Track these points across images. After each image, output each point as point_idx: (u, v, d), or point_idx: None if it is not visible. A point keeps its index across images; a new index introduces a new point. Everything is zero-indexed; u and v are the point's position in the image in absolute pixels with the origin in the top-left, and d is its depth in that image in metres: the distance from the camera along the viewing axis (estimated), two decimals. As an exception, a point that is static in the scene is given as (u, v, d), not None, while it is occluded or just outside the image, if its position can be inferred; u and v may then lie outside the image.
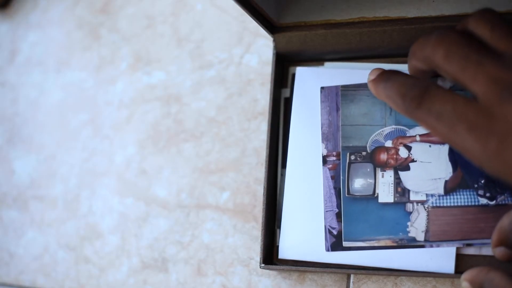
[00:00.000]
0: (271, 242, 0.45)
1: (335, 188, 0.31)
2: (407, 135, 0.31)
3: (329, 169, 0.31)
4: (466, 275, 0.31)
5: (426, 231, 0.32)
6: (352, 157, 0.30)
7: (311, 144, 0.45)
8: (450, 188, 0.31)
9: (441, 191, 0.31)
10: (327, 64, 0.47)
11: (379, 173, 0.31)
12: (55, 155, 0.59)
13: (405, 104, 0.27)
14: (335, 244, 0.33)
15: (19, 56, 0.66)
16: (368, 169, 0.31)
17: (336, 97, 0.31)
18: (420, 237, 0.32)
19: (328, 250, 0.33)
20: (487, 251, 0.40)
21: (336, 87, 0.30)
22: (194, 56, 0.56)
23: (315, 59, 0.48)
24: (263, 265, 0.43)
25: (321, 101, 0.30)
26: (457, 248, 0.40)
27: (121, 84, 0.59)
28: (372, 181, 0.31)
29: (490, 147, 0.22)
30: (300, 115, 0.46)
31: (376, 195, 0.31)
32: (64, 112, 0.61)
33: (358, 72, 0.45)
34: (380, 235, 0.32)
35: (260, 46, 0.54)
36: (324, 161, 0.31)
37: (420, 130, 0.30)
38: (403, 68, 0.44)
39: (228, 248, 0.49)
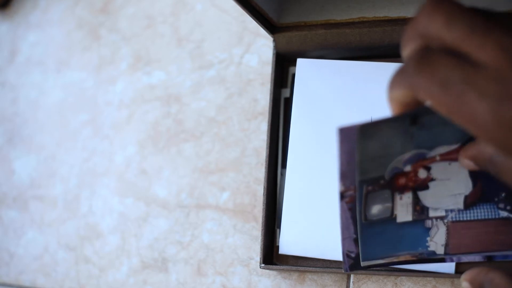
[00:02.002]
0: (271, 242, 0.45)
1: (352, 217, 0.30)
2: (428, 156, 0.29)
3: (347, 202, 0.29)
4: (466, 275, 0.31)
5: (446, 245, 0.32)
6: (370, 188, 0.29)
7: (312, 140, 0.45)
8: (470, 202, 0.31)
9: (461, 206, 0.31)
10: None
11: (397, 196, 0.30)
12: (55, 155, 0.59)
13: (403, 72, 0.24)
14: (353, 265, 0.32)
15: (19, 56, 0.66)
16: (386, 195, 0.30)
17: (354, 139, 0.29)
18: (440, 250, 0.32)
19: (346, 271, 0.32)
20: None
21: (355, 127, 0.28)
22: (194, 56, 0.56)
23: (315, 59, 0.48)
24: (263, 265, 0.43)
25: (340, 142, 0.28)
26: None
27: (121, 84, 0.59)
28: (390, 205, 0.30)
29: (503, 114, 0.21)
30: (301, 109, 0.46)
31: (394, 216, 0.30)
32: (64, 112, 0.61)
33: (359, 67, 0.45)
34: (399, 252, 0.31)
35: (260, 46, 0.54)
36: (342, 196, 0.29)
37: (440, 150, 0.29)
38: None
39: (228, 248, 0.49)
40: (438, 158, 0.29)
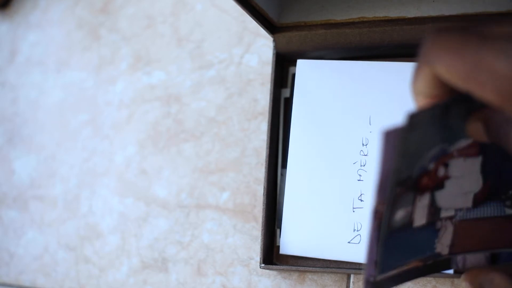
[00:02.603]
0: (271, 242, 0.45)
1: (378, 238, 0.27)
2: (448, 152, 0.27)
3: (376, 219, 0.26)
4: (466, 275, 0.31)
5: (451, 245, 0.30)
6: (399, 190, 0.26)
7: (313, 140, 0.45)
8: (478, 200, 0.29)
9: (470, 204, 0.29)
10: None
11: (417, 199, 0.28)
12: (55, 155, 0.59)
13: (463, 43, 0.22)
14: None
15: (19, 56, 0.66)
16: (410, 199, 0.27)
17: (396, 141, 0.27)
18: (445, 251, 0.30)
19: None
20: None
21: (398, 129, 0.26)
22: (194, 56, 0.56)
23: (315, 59, 0.48)
24: (263, 265, 0.43)
25: (384, 147, 0.26)
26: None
27: (121, 84, 0.59)
28: (410, 209, 0.28)
29: None
30: (301, 109, 0.46)
31: (411, 221, 0.28)
32: (64, 112, 0.61)
33: (359, 67, 0.45)
34: (410, 259, 0.29)
35: (260, 46, 0.54)
36: (375, 211, 0.26)
37: (458, 144, 0.27)
38: (404, 67, 0.44)
39: (228, 248, 0.49)
40: (455, 153, 0.28)
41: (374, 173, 0.27)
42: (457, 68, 0.22)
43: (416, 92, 0.25)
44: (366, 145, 0.44)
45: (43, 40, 0.65)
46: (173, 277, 0.50)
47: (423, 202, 0.28)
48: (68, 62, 0.63)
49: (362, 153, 0.44)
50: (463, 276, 0.32)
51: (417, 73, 0.24)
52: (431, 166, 0.27)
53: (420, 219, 0.28)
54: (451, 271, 0.40)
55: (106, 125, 0.58)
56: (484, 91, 0.21)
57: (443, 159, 0.27)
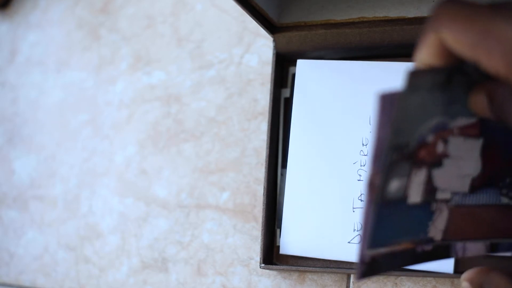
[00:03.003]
0: (271, 242, 0.45)
1: (373, 212, 0.28)
2: (448, 127, 0.26)
3: (372, 193, 0.26)
4: (466, 275, 0.31)
5: (445, 230, 0.29)
6: (394, 157, 0.25)
7: (313, 140, 0.45)
8: (476, 186, 0.28)
9: (466, 189, 0.28)
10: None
11: (413, 172, 0.27)
12: (55, 155, 0.59)
13: (473, 10, 0.22)
14: (367, 271, 0.29)
15: (19, 56, 0.66)
16: (405, 169, 0.26)
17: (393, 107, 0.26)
18: (438, 236, 0.29)
19: (359, 278, 0.29)
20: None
21: (396, 93, 0.25)
22: (194, 56, 0.56)
23: (315, 59, 0.48)
24: (263, 265, 0.43)
25: (379, 111, 0.24)
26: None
27: (121, 84, 0.59)
28: (405, 182, 0.27)
29: None
30: (301, 109, 0.46)
31: (406, 196, 0.27)
32: (64, 112, 0.61)
33: (359, 67, 0.45)
34: (402, 238, 0.28)
35: (260, 46, 0.54)
36: (371, 183, 0.26)
37: (460, 121, 0.26)
38: (404, 67, 0.44)
39: (228, 248, 0.49)
40: (456, 131, 0.27)
41: (370, 142, 0.26)
42: (465, 35, 0.21)
43: (419, 61, 0.24)
44: (366, 145, 0.44)
45: (43, 40, 0.65)
46: (173, 277, 0.50)
47: (419, 178, 0.27)
48: (68, 62, 0.63)
49: (362, 153, 0.44)
50: (463, 276, 0.32)
51: (422, 42, 0.24)
52: (430, 138, 0.26)
53: (415, 195, 0.27)
54: (451, 271, 0.40)
55: (106, 125, 0.58)
56: (492, 60, 0.21)
57: (443, 133, 0.27)
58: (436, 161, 0.27)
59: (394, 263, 0.29)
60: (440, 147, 0.27)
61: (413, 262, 0.30)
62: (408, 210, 0.28)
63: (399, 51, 0.46)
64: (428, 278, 0.42)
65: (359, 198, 0.43)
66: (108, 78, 0.60)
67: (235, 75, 0.54)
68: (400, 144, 0.25)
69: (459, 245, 0.30)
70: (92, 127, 0.58)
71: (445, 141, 0.27)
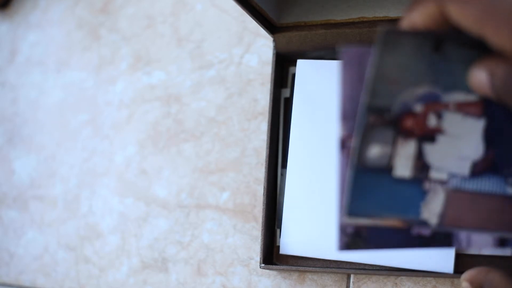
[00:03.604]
0: (271, 242, 0.45)
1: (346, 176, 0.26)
2: (442, 100, 0.25)
3: (348, 155, 0.25)
4: (466, 275, 0.31)
5: (442, 215, 0.27)
6: (372, 119, 0.24)
7: (313, 140, 0.45)
8: (477, 170, 0.27)
9: (466, 173, 0.27)
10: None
11: (399, 141, 0.26)
12: (55, 155, 0.59)
13: None
14: (350, 243, 0.28)
15: (19, 56, 0.66)
16: (388, 136, 0.25)
17: (364, 63, 0.24)
18: (433, 220, 0.27)
19: (340, 250, 0.28)
20: (487, 250, 0.40)
21: (366, 49, 0.23)
22: (194, 56, 0.56)
23: (315, 59, 0.48)
24: (263, 265, 0.43)
25: (343, 68, 0.24)
26: (457, 248, 0.40)
27: (121, 84, 0.59)
28: (389, 150, 0.26)
29: None
30: (301, 109, 0.46)
31: (391, 167, 0.26)
32: (64, 112, 0.61)
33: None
34: (387, 213, 0.27)
35: (260, 46, 0.54)
36: (343, 145, 0.25)
37: (456, 96, 0.25)
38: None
39: (228, 248, 0.49)
40: (452, 106, 0.25)
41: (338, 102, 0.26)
42: (472, 9, 0.20)
43: (409, 21, 0.23)
44: (366, 145, 0.44)
45: (43, 40, 0.65)
46: (173, 277, 0.50)
47: (407, 149, 0.26)
48: (68, 62, 0.63)
49: (362, 153, 0.44)
50: (463, 276, 0.32)
51: (418, 5, 0.23)
52: (418, 108, 0.25)
53: (402, 168, 0.26)
54: (451, 271, 0.40)
55: (106, 125, 0.58)
56: (499, 35, 0.20)
57: (434, 106, 0.25)
58: (428, 135, 0.26)
59: (383, 241, 0.28)
60: (432, 121, 0.26)
61: (408, 245, 0.29)
62: (394, 183, 0.27)
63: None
64: (428, 278, 0.42)
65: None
66: (108, 78, 0.60)
67: (235, 75, 0.54)
68: (378, 107, 0.25)
69: (462, 235, 0.29)
70: (92, 127, 0.58)
71: (439, 115, 0.26)
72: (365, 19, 0.43)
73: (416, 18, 0.23)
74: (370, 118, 0.25)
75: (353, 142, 0.25)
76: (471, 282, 0.31)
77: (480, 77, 0.23)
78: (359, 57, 0.23)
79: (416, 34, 0.23)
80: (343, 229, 0.27)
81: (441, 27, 0.23)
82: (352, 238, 0.27)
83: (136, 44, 0.60)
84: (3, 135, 0.63)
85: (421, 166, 0.27)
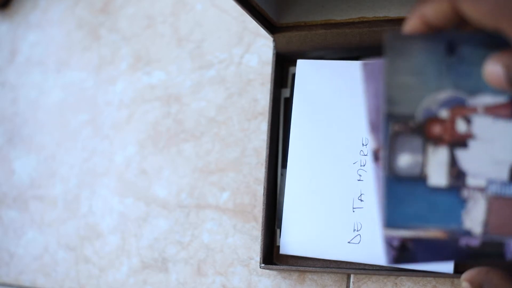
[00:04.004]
0: (271, 242, 0.45)
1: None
2: (468, 104, 0.24)
3: (377, 163, 0.25)
4: (465, 275, 0.31)
5: (485, 224, 0.26)
6: (397, 127, 0.24)
7: (313, 140, 0.45)
8: None
9: (505, 177, 0.26)
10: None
11: (429, 149, 0.25)
12: (55, 155, 0.59)
13: None
14: (399, 257, 0.26)
15: (19, 56, 0.66)
16: (417, 144, 0.25)
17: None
18: (477, 229, 0.26)
19: (389, 264, 0.28)
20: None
21: (379, 62, 0.23)
22: (194, 56, 0.56)
23: (315, 59, 0.48)
24: (263, 265, 0.43)
25: (365, 81, 0.24)
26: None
27: (121, 84, 0.59)
28: (420, 158, 0.25)
29: None
30: (301, 109, 0.46)
31: (424, 176, 0.26)
32: (64, 112, 0.61)
33: (359, 67, 0.45)
34: (429, 224, 0.26)
35: (260, 46, 0.54)
36: (376, 157, 0.25)
37: (483, 99, 0.24)
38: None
39: (228, 248, 0.49)
40: (480, 109, 0.25)
41: (365, 113, 0.26)
42: (485, 1, 0.20)
43: (419, 15, 0.23)
44: (366, 145, 0.44)
45: (43, 40, 0.65)
46: (173, 277, 0.50)
47: (439, 157, 0.26)
48: (68, 62, 0.63)
49: (362, 153, 0.44)
50: (463, 276, 0.32)
51: (429, 2, 0.22)
52: (444, 113, 0.25)
53: (437, 177, 0.26)
54: (451, 271, 0.40)
55: (106, 125, 0.58)
56: None
57: (461, 110, 0.25)
58: (459, 141, 0.25)
59: (431, 254, 0.27)
60: (461, 126, 0.25)
61: (457, 258, 0.28)
62: (430, 193, 0.26)
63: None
64: (428, 278, 0.42)
65: (359, 198, 0.43)
66: (108, 78, 0.60)
67: (235, 75, 0.54)
68: (400, 115, 0.24)
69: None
70: (92, 127, 0.58)
71: (467, 120, 0.25)
72: (365, 19, 0.43)
73: (427, 13, 0.22)
74: (394, 127, 0.24)
75: (382, 153, 0.25)
76: (471, 282, 0.31)
77: (495, 70, 0.23)
78: (379, 68, 0.23)
79: (425, 37, 0.23)
80: (388, 243, 0.26)
81: (453, 22, 0.22)
82: (399, 252, 0.27)
83: (136, 44, 0.60)
84: (3, 135, 0.63)
85: (457, 173, 0.26)
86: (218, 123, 0.53)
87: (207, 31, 0.57)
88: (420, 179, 0.26)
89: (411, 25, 0.23)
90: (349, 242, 0.43)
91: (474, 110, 0.25)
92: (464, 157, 0.26)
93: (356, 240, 0.43)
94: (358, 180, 0.43)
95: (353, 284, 0.44)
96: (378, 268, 0.42)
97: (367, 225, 0.42)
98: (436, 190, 0.26)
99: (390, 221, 0.26)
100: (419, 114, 0.25)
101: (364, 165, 0.44)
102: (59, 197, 0.57)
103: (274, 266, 0.44)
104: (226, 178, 0.51)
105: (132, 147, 0.56)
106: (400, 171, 0.26)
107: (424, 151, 0.25)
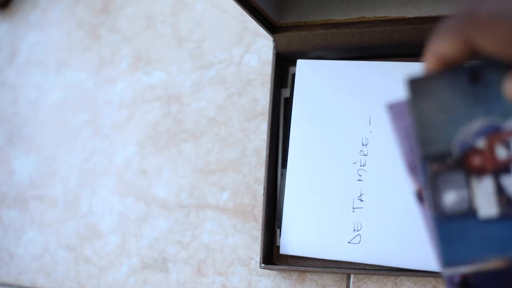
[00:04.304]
0: (271, 242, 0.45)
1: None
2: (503, 128, 0.24)
3: (421, 204, 0.25)
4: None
5: None
6: (435, 167, 0.24)
7: (313, 140, 0.45)
8: None
9: None
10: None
11: (473, 182, 0.25)
12: (55, 155, 0.59)
13: (453, 21, 0.21)
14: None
15: (19, 56, 0.66)
16: (459, 179, 0.25)
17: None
18: None
19: None
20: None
21: (404, 102, 0.23)
22: (194, 56, 0.56)
23: (315, 59, 0.48)
24: (263, 265, 0.43)
25: (393, 123, 0.24)
26: None
27: (121, 84, 0.59)
28: (466, 193, 0.25)
29: None
30: (301, 109, 0.46)
31: (474, 209, 0.25)
32: (64, 112, 0.61)
33: (359, 67, 0.45)
34: (485, 255, 0.26)
35: (260, 46, 0.54)
36: (420, 198, 0.25)
37: None
38: (404, 67, 0.44)
39: (228, 248, 0.49)
40: None
41: (400, 156, 0.25)
42: (500, 33, 0.20)
43: (433, 52, 0.23)
44: (366, 145, 0.44)
45: (43, 40, 0.65)
46: (173, 277, 0.50)
47: (485, 188, 0.25)
48: (68, 62, 0.63)
49: (362, 153, 0.44)
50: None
51: (442, 35, 0.22)
52: (480, 143, 0.24)
53: (487, 208, 0.25)
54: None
55: (106, 125, 0.58)
56: None
57: (497, 136, 0.24)
58: (502, 168, 0.25)
59: (494, 285, 0.27)
60: (501, 152, 0.25)
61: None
62: (483, 225, 0.26)
63: (399, 51, 0.46)
64: (428, 278, 0.42)
65: (359, 198, 0.43)
66: (108, 78, 0.60)
67: (235, 75, 0.54)
68: (436, 154, 0.24)
69: None
70: (92, 127, 0.58)
71: (506, 145, 0.25)
72: (365, 19, 0.43)
73: (442, 51, 0.23)
74: (433, 167, 0.24)
75: (425, 194, 0.25)
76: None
77: None
78: (404, 109, 0.23)
79: (445, 73, 0.23)
80: (449, 281, 0.26)
81: (470, 56, 0.22)
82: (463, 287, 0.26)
83: (136, 44, 0.60)
84: (3, 135, 0.63)
85: (506, 200, 0.26)
86: (218, 123, 0.53)
87: (207, 31, 0.57)
88: (469, 213, 0.25)
89: (429, 65, 0.23)
90: (349, 242, 0.43)
91: (511, 133, 0.25)
92: (511, 182, 0.25)
93: (356, 240, 0.43)
94: (358, 180, 0.43)
95: (353, 284, 0.44)
96: (378, 268, 0.42)
97: (367, 225, 0.42)
98: (488, 221, 0.26)
99: (447, 260, 0.26)
100: (456, 149, 0.24)
101: (364, 165, 0.44)
102: (59, 197, 0.57)
103: (274, 266, 0.44)
104: (226, 178, 0.51)
105: (132, 147, 0.56)
106: (447, 209, 0.25)
107: (468, 185, 0.25)
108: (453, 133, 0.24)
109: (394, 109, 0.23)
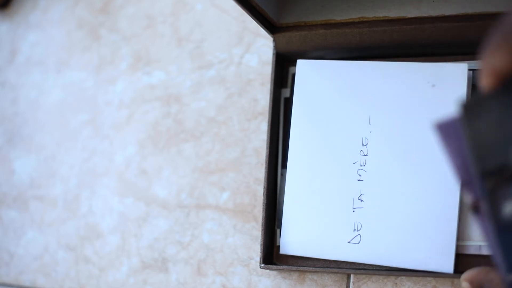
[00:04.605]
0: (271, 242, 0.45)
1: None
2: None
3: (479, 216, 0.25)
4: (466, 275, 0.31)
5: None
6: (493, 182, 0.24)
7: (313, 140, 0.45)
8: None
9: None
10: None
11: None
12: (55, 155, 0.59)
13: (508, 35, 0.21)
14: None
15: (19, 56, 0.66)
16: None
17: (460, 130, 0.24)
18: None
19: None
20: (487, 250, 0.40)
21: (456, 119, 0.23)
22: (194, 56, 0.56)
23: (315, 59, 0.48)
24: (263, 265, 0.43)
25: (444, 142, 0.23)
26: (457, 247, 0.40)
27: (121, 84, 0.59)
28: None
29: None
30: (301, 109, 0.46)
31: None
32: (64, 112, 0.61)
33: (359, 67, 0.45)
34: None
35: (260, 46, 0.54)
36: (477, 210, 0.25)
37: None
38: (404, 67, 0.44)
39: (228, 248, 0.49)
40: None
41: (452, 172, 0.25)
42: None
43: (489, 69, 0.22)
44: (366, 145, 0.44)
45: (43, 40, 0.65)
46: (173, 277, 0.50)
47: None
48: (68, 62, 0.63)
49: (362, 153, 0.44)
50: (463, 276, 0.32)
51: (496, 49, 0.22)
52: None
53: None
54: (451, 271, 0.40)
55: (106, 125, 0.58)
56: None
57: None
58: None
59: None
60: None
61: None
62: None
63: (399, 51, 0.46)
64: (428, 278, 0.42)
65: (359, 198, 0.43)
66: (108, 78, 0.60)
67: (235, 75, 0.54)
68: (492, 169, 0.24)
69: None
70: (92, 127, 0.58)
71: None
72: (365, 19, 0.43)
73: (498, 65, 0.22)
74: (490, 183, 0.24)
75: (483, 209, 0.25)
76: (471, 282, 0.31)
77: None
78: (454, 127, 0.23)
79: (497, 94, 0.23)
80: None
81: None
82: None
83: (136, 44, 0.60)
84: (3, 135, 0.63)
85: None
86: (218, 123, 0.53)
87: (207, 31, 0.57)
88: None
89: (487, 84, 0.23)
90: (349, 242, 0.43)
91: None
92: None
93: (356, 240, 0.43)
94: (358, 180, 0.43)
95: (353, 284, 0.44)
96: (378, 268, 0.42)
97: (367, 225, 0.42)
98: None
99: (511, 267, 0.25)
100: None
101: (364, 165, 0.44)
102: (59, 197, 0.57)
103: (274, 266, 0.44)
104: (226, 178, 0.51)
105: (132, 147, 0.56)
106: (509, 219, 0.25)
107: None
108: (507, 145, 0.24)
109: (444, 128, 0.23)
